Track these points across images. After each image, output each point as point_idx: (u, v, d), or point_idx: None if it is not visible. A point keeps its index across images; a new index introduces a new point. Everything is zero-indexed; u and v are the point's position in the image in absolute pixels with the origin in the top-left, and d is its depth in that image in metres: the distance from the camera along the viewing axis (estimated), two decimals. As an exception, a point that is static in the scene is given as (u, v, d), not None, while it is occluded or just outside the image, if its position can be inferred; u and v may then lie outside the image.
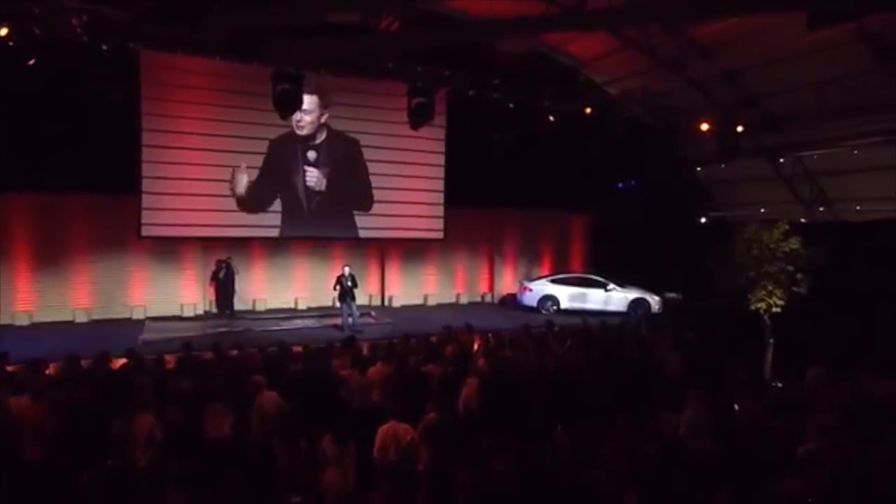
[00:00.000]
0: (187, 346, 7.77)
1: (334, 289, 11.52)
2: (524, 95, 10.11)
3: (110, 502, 4.45)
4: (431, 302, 15.13)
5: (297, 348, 8.21)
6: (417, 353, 8.00)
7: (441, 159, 14.22)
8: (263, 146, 12.84)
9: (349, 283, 11.42)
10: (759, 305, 8.83)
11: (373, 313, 13.25)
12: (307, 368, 7.20)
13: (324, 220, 13.49)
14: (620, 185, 16.93)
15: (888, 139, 12.23)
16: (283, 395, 6.17)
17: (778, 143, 14.16)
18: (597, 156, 14.94)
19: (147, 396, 5.55)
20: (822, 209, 14.88)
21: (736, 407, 6.35)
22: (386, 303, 14.78)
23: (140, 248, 12.55)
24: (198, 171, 12.26)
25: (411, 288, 15.16)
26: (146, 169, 11.83)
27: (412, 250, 14.91)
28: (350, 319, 11.36)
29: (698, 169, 16.52)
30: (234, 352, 8.13)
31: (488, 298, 16.17)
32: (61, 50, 9.23)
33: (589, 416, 5.75)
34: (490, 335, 8.95)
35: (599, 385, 6.91)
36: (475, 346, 8.44)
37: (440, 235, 14.57)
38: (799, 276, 8.44)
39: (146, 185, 11.86)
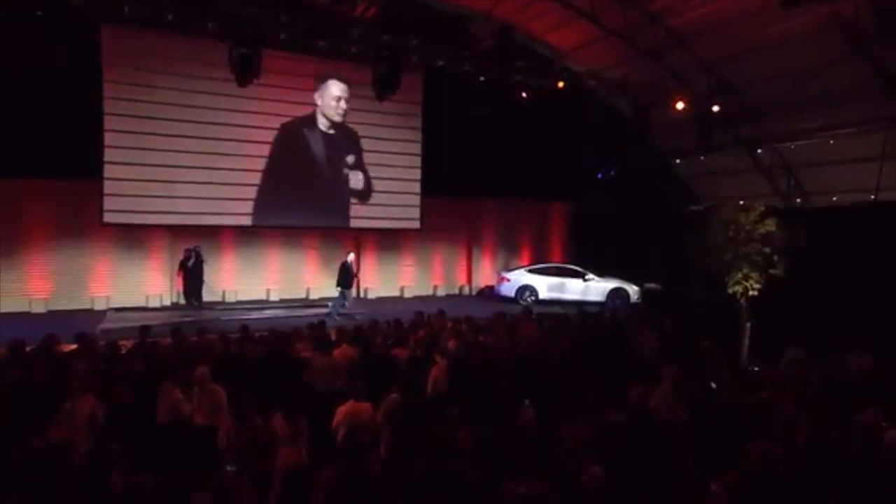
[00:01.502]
0: (144, 329, 7.40)
1: (354, 276, 11.39)
2: (497, 70, 9.86)
3: (41, 482, 4.13)
4: (408, 294, 14.99)
5: (262, 334, 7.87)
6: (386, 337, 7.85)
7: (418, 148, 14.13)
8: (235, 132, 12.50)
9: (354, 270, 11.31)
10: (735, 289, 8.79)
11: (347, 304, 12.76)
12: (269, 351, 6.88)
13: (299, 208, 13.26)
14: (599, 175, 16.90)
15: (863, 129, 12.22)
16: (241, 378, 5.89)
17: (756, 135, 14.19)
18: (576, 145, 15.01)
19: (87, 379, 5.24)
20: (798, 201, 14.91)
21: (713, 385, 6.22)
22: (361, 294, 14.55)
23: (103, 236, 12.11)
24: (165, 157, 11.91)
25: (387, 280, 15.02)
26: (109, 154, 11.44)
27: (388, 241, 14.76)
28: (345, 305, 11.34)
29: (677, 161, 16.42)
30: (195, 337, 7.76)
31: (466, 290, 16.12)
32: (16, 27, 8.85)
33: (561, 395, 5.68)
34: (462, 320, 8.88)
35: (573, 365, 6.84)
36: (446, 331, 8.28)
37: (417, 226, 14.48)
38: (775, 258, 8.40)
39: (109, 170, 11.47)
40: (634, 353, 7.69)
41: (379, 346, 7.22)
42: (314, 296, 13.82)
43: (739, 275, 8.63)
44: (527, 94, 11.42)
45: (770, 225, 8.34)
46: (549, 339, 8.21)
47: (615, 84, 11.75)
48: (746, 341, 8.86)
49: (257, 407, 5.36)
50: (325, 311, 11.48)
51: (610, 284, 14.06)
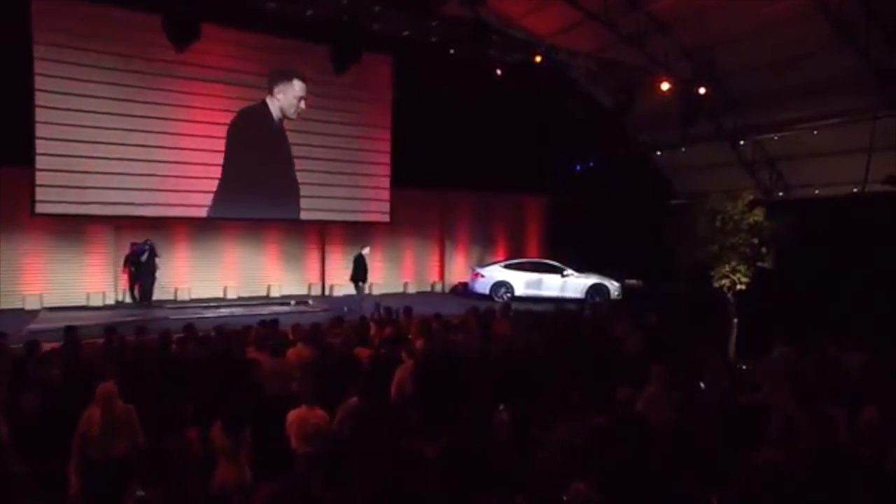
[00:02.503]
0: (69, 330, 6.68)
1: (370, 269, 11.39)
2: (469, 46, 9.38)
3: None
4: (377, 291, 14.28)
5: (208, 333, 7.25)
6: (348, 336, 7.32)
7: (387, 135, 13.75)
8: (181, 113, 11.81)
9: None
10: (722, 283, 8.61)
11: (310, 302, 12.67)
12: (214, 352, 6.29)
13: (260, 199, 12.69)
14: (577, 167, 16.62)
15: (848, 120, 12.13)
16: (182, 382, 5.31)
17: (738, 126, 14.02)
18: (554, 137, 14.75)
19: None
20: (781, 194, 14.87)
21: (702, 385, 5.89)
22: (326, 291, 14.10)
23: (36, 229, 11.24)
24: (104, 140, 11.14)
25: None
26: (41, 137, 10.57)
27: (355, 235, 14.16)
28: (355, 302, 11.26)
29: (658, 153, 16.27)
30: (132, 338, 7.09)
31: (439, 287, 15.76)
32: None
33: (539, 397, 5.37)
34: (432, 317, 8.41)
35: (552, 365, 6.51)
36: (413, 328, 7.90)
37: (386, 219, 14.12)
38: (763, 249, 8.22)
39: (41, 155, 10.60)
40: (618, 352, 7.42)
41: (339, 345, 6.74)
42: (275, 293, 13.37)
43: (727, 268, 8.46)
44: (501, 70, 10.95)
45: (758, 215, 8.15)
46: (527, 337, 7.84)
47: (597, 62, 11.31)
48: (734, 336, 8.64)
49: (194, 417, 4.80)
50: (283, 309, 10.99)
51: (589, 280, 13.88)
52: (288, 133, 12.99)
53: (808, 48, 11.34)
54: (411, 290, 15.14)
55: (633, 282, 14.61)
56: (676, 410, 4.96)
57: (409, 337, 7.44)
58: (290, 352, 6.42)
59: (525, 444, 4.40)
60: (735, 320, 8.75)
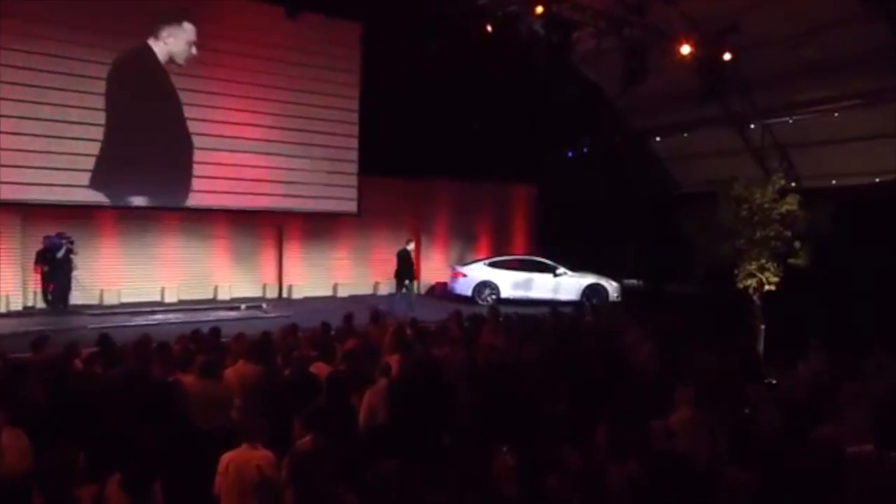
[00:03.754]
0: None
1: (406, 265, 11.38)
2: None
3: None
4: (343, 292, 14.04)
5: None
6: (305, 349, 6.61)
7: (354, 117, 13.26)
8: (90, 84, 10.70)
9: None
10: (748, 283, 8.17)
11: (264, 306, 12.00)
12: (125, 374, 5.30)
13: (197, 185, 11.86)
14: (569, 153, 16.33)
15: (871, 102, 11.68)
16: (76, 417, 4.29)
17: (747, 108, 13.66)
18: (543, 120, 14.55)
19: None
20: (794, 185, 14.55)
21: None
22: (284, 293, 13.53)
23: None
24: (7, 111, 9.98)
25: (317, 275, 14.04)
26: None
27: (318, 228, 13.88)
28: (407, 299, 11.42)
29: (657, 139, 15.88)
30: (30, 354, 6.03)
31: (414, 288, 14.46)
32: None
33: (542, 428, 4.88)
34: (406, 325, 7.98)
35: (552, 386, 5.92)
36: (387, 340, 7.11)
37: (353, 209, 13.60)
38: (797, 244, 7.72)
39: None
40: (629, 367, 6.89)
41: (293, 361, 5.91)
42: (223, 295, 12.63)
43: (753, 265, 7.94)
44: (492, 27, 10.26)
45: (791, 203, 7.61)
46: (520, 349, 7.19)
47: (606, 21, 10.64)
48: (761, 346, 8.10)
49: (88, 468, 3.78)
50: (232, 314, 10.44)
51: (585, 280, 13.51)
52: (233, 110, 12.04)
53: (830, 19, 10.96)
54: (382, 290, 14.54)
55: (632, 282, 14.40)
56: (719, 439, 4.33)
57: (382, 349, 6.78)
58: (229, 371, 5.52)
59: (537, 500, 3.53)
60: (762, 327, 8.27)
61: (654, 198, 15.37)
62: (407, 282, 11.77)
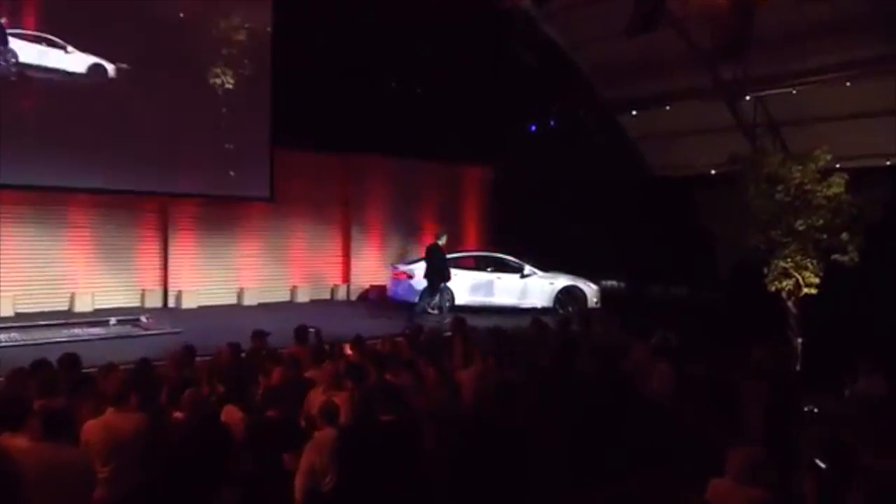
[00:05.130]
0: None
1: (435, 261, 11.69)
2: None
3: None
4: (250, 300, 13.41)
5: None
6: (208, 384, 5.83)
7: (266, 75, 12.80)
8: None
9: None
10: (781, 285, 7.84)
11: (144, 318, 11.09)
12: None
13: (55, 158, 10.81)
14: (532, 127, 16.17)
15: (884, 69, 11.69)
16: None
17: (740, 77, 13.31)
18: (501, 88, 14.53)
19: None
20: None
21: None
22: (171, 301, 12.76)
23: None
24: None
25: (215, 278, 13.39)
26: None
27: (217, 216, 13.26)
28: (437, 303, 11.77)
29: (633, 113, 15.75)
30: None
31: (342, 293, 15.01)
32: None
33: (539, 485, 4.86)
34: (349, 347, 7.40)
35: (547, 424, 5.67)
36: (323, 369, 6.27)
37: (264, 193, 13.07)
38: (844, 236, 7.43)
39: None
40: (641, 399, 6.54)
41: (190, 404, 4.95)
42: (84, 306, 11.66)
43: (789, 262, 7.61)
44: None
45: (839, 185, 7.20)
46: (503, 377, 6.49)
47: None
48: (798, 366, 7.75)
49: None
50: (96, 333, 9.58)
51: (558, 282, 13.15)
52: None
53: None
54: (302, 296, 14.22)
55: (611, 284, 14.33)
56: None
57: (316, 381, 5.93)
58: (91, 426, 4.41)
59: None
60: (799, 340, 7.93)
61: (634, 183, 15.27)
62: (443, 285, 11.80)
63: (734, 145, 14.09)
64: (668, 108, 14.95)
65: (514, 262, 13.25)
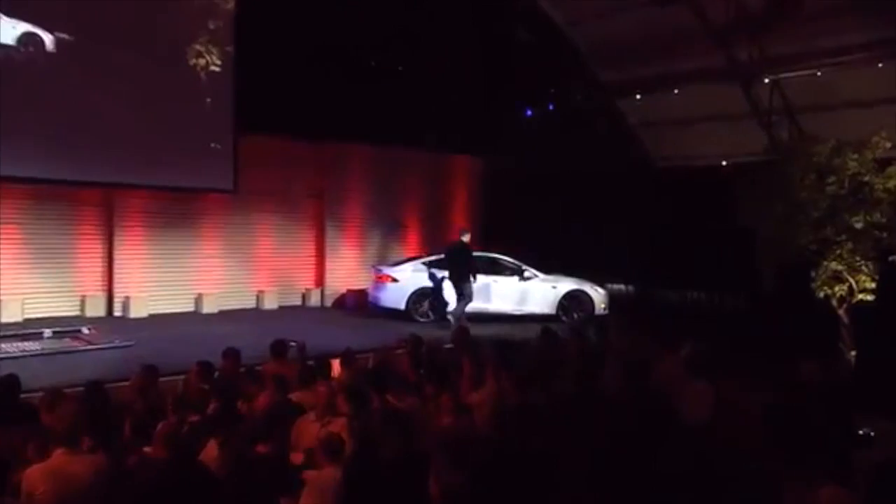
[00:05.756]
0: None
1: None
2: None
3: None
4: (210, 307, 13.16)
5: None
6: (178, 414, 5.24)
7: (227, 45, 12.55)
8: None
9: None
10: (833, 290, 7.59)
11: (87, 330, 10.69)
12: None
13: None
14: (529, 112, 16.10)
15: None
16: None
17: (757, 57, 13.40)
18: (495, 66, 14.65)
19: None
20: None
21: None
22: (116, 310, 12.42)
23: None
24: None
25: (169, 282, 13.17)
26: None
27: (171, 211, 13.08)
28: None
29: (637, 97, 15.63)
30: None
31: (315, 298, 14.81)
32: None
33: None
34: (338, 364, 7.04)
35: (570, 458, 5.17)
36: (317, 392, 5.93)
37: (227, 185, 12.86)
38: None
39: None
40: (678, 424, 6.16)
41: (163, 440, 4.45)
42: (12, 315, 11.25)
43: (842, 265, 7.34)
44: None
45: None
46: (525, 402, 6.18)
47: None
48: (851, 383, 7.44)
49: None
50: (28, 347, 9.25)
51: (562, 286, 13.03)
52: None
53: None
54: (269, 303, 13.98)
55: (618, 287, 14.19)
56: None
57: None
58: (32, 474, 3.99)
59: None
60: (852, 353, 7.68)
61: (638, 175, 15.21)
62: (467, 286, 11.87)
63: (748, 134, 14.08)
64: (675, 91, 14.69)
65: (511, 263, 13.13)
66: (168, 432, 4.42)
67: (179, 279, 13.15)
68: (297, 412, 5.46)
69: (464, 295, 11.91)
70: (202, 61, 12.52)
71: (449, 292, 12.55)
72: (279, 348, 7.04)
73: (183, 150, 12.34)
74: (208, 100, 12.54)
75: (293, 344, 7.19)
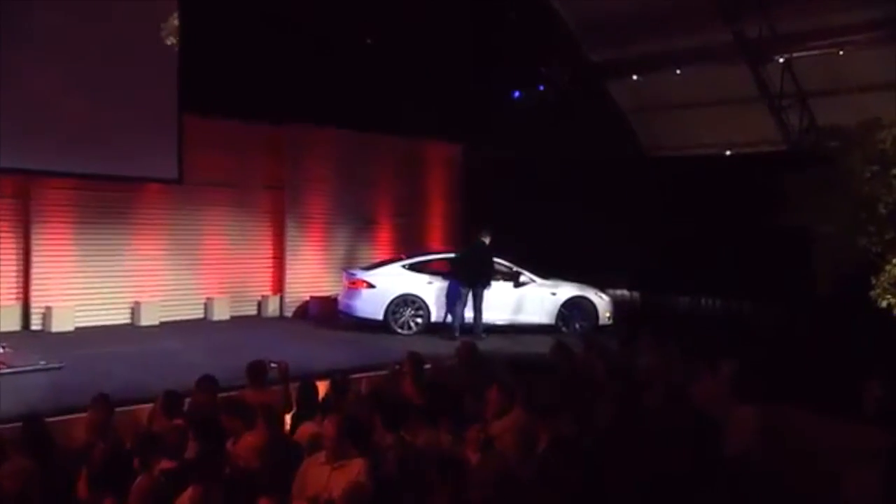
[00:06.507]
0: None
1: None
2: None
3: None
4: (149, 319, 12.82)
5: None
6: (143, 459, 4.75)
7: (173, 22, 12.36)
8: None
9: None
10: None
11: (2, 348, 10.13)
12: None
13: None
14: (516, 93, 16.25)
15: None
16: None
17: (767, 35, 13.66)
18: (474, 43, 14.83)
19: None
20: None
21: None
22: (35, 323, 12.07)
23: None
24: None
25: (99, 290, 12.78)
26: None
27: (101, 206, 12.70)
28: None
29: (634, 78, 15.92)
30: None
31: (273, 307, 14.61)
32: None
33: None
34: (338, 379, 6.88)
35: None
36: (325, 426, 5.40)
37: (171, 174, 12.69)
38: None
39: None
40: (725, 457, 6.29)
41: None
42: None
43: None
44: None
45: None
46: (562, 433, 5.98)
47: None
48: None
49: None
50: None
51: (563, 292, 12.94)
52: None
53: None
54: (219, 313, 13.76)
55: (621, 293, 14.22)
56: None
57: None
58: None
59: None
60: None
61: (634, 164, 15.51)
62: (482, 290, 12.07)
63: (745, 121, 14.73)
64: (678, 71, 14.95)
65: (507, 266, 12.94)
66: (147, 490, 3.87)
67: (112, 286, 12.75)
68: (297, 452, 5.06)
69: (478, 301, 12.06)
70: (142, 33, 12.10)
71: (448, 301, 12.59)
72: (258, 371, 6.57)
73: (116, 131, 11.87)
74: (148, 75, 12.12)
75: (274, 365, 6.69)
